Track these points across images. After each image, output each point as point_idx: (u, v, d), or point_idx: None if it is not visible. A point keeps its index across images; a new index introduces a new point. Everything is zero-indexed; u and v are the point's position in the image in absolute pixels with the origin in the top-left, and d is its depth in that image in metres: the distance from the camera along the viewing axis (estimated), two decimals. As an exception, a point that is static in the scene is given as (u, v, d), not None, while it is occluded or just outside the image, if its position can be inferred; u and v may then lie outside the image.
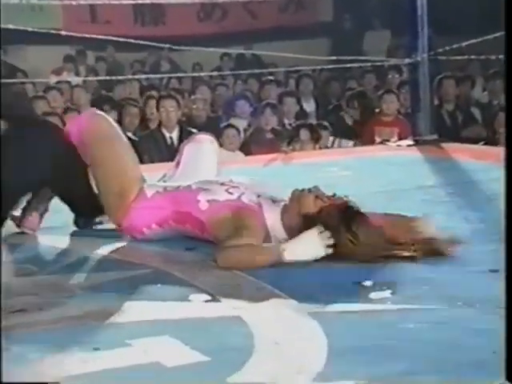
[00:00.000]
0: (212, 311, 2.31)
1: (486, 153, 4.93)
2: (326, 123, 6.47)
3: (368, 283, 2.45)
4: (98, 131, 3.09)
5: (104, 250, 3.00)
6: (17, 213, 3.26)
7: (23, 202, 3.23)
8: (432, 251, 2.71)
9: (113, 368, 1.92)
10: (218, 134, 6.31)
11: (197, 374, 1.90)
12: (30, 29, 6.66)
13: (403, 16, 5.27)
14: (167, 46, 6.71)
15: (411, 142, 5.19)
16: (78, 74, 10.83)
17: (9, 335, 2.11)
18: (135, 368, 1.92)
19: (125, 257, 2.94)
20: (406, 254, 2.67)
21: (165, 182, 3.22)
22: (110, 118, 3.21)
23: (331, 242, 2.65)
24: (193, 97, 7.95)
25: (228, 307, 2.33)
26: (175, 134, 6.26)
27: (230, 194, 2.92)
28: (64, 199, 3.23)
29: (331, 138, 6.39)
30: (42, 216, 3.26)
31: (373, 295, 2.34)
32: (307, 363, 1.91)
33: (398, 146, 5.23)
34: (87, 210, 3.25)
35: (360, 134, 6.68)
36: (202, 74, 9.89)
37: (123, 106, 6.82)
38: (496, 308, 2.13)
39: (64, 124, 6.35)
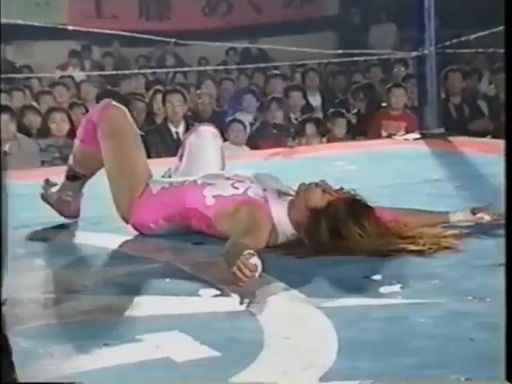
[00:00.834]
0: (221, 306, 2.31)
1: (494, 146, 4.88)
2: (343, 110, 6.45)
3: (377, 277, 2.45)
4: (110, 125, 3.07)
5: (113, 244, 3.00)
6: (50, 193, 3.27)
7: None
8: (440, 245, 2.70)
9: (123, 363, 1.92)
10: (223, 129, 6.33)
11: (207, 368, 1.90)
12: (36, 24, 6.66)
13: (410, 9, 5.25)
14: (173, 40, 6.69)
15: (418, 136, 5.18)
16: (83, 69, 10.83)
17: (18, 330, 2.12)
18: (145, 363, 1.93)
19: (133, 251, 2.94)
20: (415, 247, 2.67)
21: (170, 176, 3.21)
22: (126, 111, 3.17)
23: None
24: (198, 91, 7.94)
25: (237, 302, 2.33)
26: (181, 129, 6.26)
27: (236, 188, 2.91)
28: None
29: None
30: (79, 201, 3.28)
31: (382, 289, 2.34)
32: (317, 358, 1.91)
33: (405, 140, 5.21)
34: None
35: (365, 127, 6.67)
36: (208, 68, 9.88)
37: (129, 100, 6.81)
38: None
39: (70, 119, 6.37)
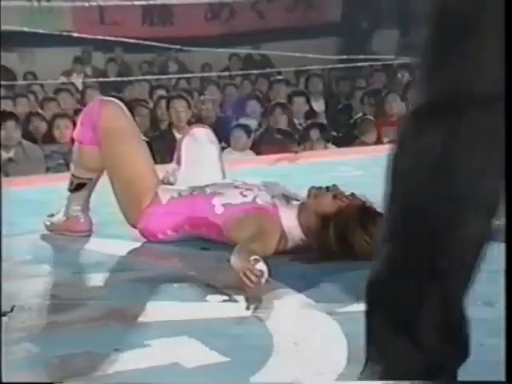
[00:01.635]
0: (230, 311, 2.31)
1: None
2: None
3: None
4: (110, 122, 3.00)
5: (120, 250, 3.00)
6: (56, 220, 3.18)
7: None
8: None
9: (133, 369, 1.92)
10: (227, 134, 6.34)
11: (216, 374, 1.89)
12: (40, 31, 6.67)
13: (413, 15, 5.25)
14: (177, 47, 6.70)
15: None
16: (87, 75, 10.84)
17: (28, 336, 2.12)
18: (155, 369, 1.92)
19: (141, 257, 2.94)
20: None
21: (168, 180, 3.19)
22: (125, 109, 3.10)
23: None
24: (202, 97, 7.95)
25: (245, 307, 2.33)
26: (185, 135, 6.25)
27: (245, 196, 2.91)
28: None
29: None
30: (88, 215, 3.16)
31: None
32: (328, 364, 1.91)
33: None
34: None
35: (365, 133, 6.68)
36: (211, 74, 9.89)
37: (133, 106, 6.82)
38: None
39: (75, 125, 6.37)
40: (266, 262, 2.46)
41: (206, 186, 3.02)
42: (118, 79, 9.18)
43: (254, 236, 2.72)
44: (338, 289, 2.45)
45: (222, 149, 4.66)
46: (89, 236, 3.16)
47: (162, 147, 6.16)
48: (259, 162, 5.07)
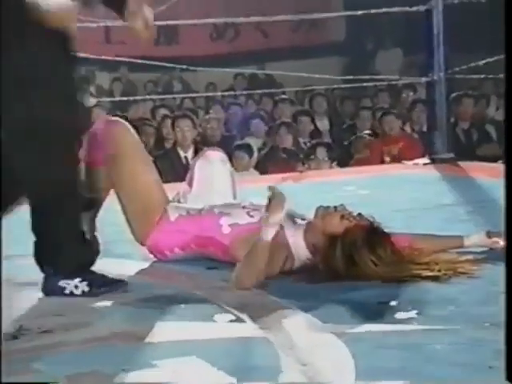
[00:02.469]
0: (237, 331, 2.30)
1: (502, 171, 4.92)
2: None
3: (393, 303, 2.43)
4: (120, 147, 3.00)
5: (127, 270, 2.99)
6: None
7: None
8: (456, 271, 2.69)
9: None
10: (232, 154, 6.34)
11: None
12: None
13: (418, 35, 5.26)
14: (182, 66, 6.72)
15: (428, 161, 5.17)
16: (92, 94, 10.87)
17: (36, 356, 2.11)
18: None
19: (148, 277, 2.93)
20: (430, 273, 2.66)
21: (178, 201, 3.18)
22: (131, 129, 3.10)
23: None
24: (207, 116, 7.96)
25: (253, 328, 2.32)
26: (190, 154, 6.27)
27: (251, 216, 2.92)
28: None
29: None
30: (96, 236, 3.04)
31: (398, 315, 2.33)
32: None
33: (415, 165, 5.21)
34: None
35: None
36: (215, 94, 9.91)
37: (139, 125, 6.83)
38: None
39: (81, 144, 6.37)
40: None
41: (215, 206, 3.02)
42: (124, 98, 9.19)
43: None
44: (345, 309, 2.44)
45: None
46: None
47: (168, 166, 6.17)
48: (264, 181, 5.07)
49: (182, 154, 6.31)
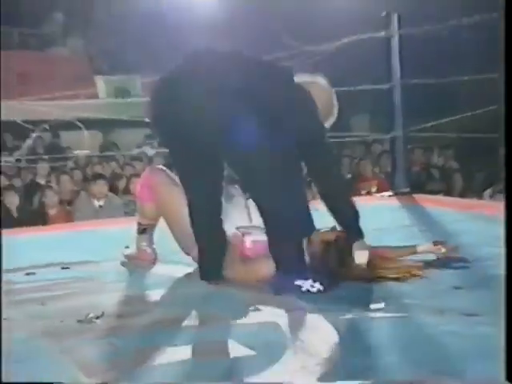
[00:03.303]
0: (255, 317, 2.28)
1: (444, 201, 4.99)
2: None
3: (367, 297, 2.40)
4: (161, 187, 2.97)
5: (178, 272, 2.96)
6: (130, 251, 3.13)
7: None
8: (410, 273, 2.67)
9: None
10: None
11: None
12: (124, 118, 6.79)
13: (384, 104, 5.27)
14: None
15: (391, 194, 5.15)
16: (154, 147, 10.93)
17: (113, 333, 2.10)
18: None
19: (193, 277, 2.88)
20: (393, 275, 2.64)
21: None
22: (169, 172, 3.05)
23: None
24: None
25: (268, 314, 2.30)
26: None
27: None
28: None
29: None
30: (153, 249, 3.13)
31: (372, 306, 2.30)
32: (324, 356, 1.88)
33: (382, 197, 5.19)
34: None
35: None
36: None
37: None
38: (462, 315, 2.09)
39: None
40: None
41: (238, 227, 3.00)
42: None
43: None
44: (335, 301, 2.40)
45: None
46: (154, 263, 3.14)
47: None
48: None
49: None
